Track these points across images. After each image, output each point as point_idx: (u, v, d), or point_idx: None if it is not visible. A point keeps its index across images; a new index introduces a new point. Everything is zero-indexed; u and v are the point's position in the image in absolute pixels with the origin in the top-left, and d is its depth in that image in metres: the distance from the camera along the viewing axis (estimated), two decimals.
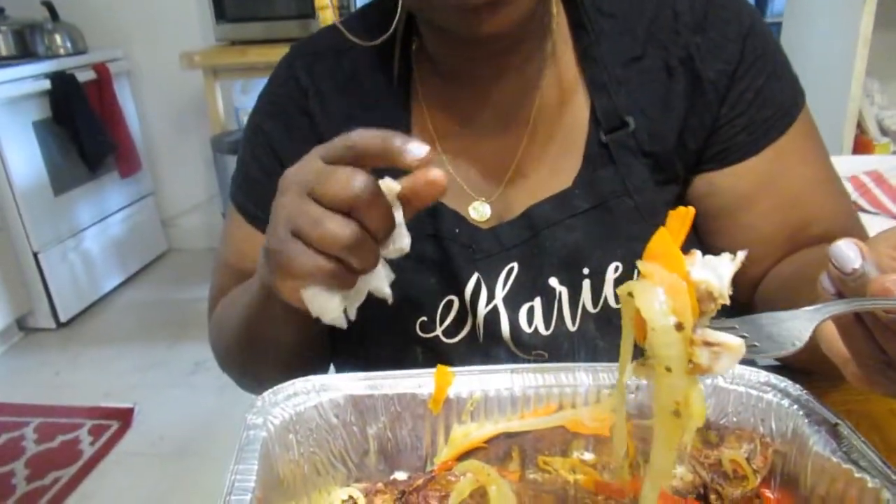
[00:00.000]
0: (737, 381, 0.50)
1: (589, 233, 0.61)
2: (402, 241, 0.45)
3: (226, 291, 0.71)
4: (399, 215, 0.45)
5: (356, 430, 0.51)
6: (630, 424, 0.46)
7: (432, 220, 0.62)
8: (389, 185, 0.44)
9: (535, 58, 0.63)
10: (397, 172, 0.44)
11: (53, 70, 2.49)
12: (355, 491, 0.48)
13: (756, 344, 0.36)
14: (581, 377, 0.51)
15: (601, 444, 0.51)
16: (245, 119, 0.76)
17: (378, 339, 0.64)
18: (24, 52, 2.70)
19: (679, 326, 0.34)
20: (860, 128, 1.92)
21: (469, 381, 0.51)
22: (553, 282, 0.61)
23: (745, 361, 0.38)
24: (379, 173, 0.44)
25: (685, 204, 0.64)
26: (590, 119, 0.62)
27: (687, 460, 0.48)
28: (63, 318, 2.58)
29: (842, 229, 0.62)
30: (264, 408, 0.48)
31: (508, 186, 0.64)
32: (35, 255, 2.47)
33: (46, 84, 2.46)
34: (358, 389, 0.51)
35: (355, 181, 0.41)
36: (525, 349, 0.62)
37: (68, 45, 2.72)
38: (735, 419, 0.50)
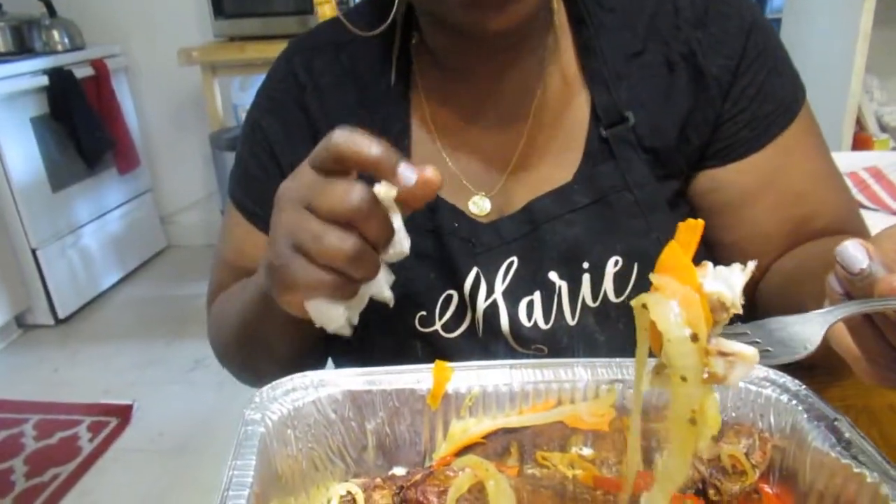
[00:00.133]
0: None
1: (589, 227, 0.61)
2: (401, 245, 0.46)
3: (224, 288, 0.71)
4: (397, 220, 0.45)
5: (354, 426, 0.51)
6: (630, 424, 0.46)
7: (431, 215, 0.62)
8: (386, 191, 0.43)
9: (536, 53, 0.62)
10: None
11: (51, 66, 2.49)
12: (354, 486, 0.47)
13: (769, 349, 0.37)
14: (580, 373, 0.51)
15: (600, 440, 0.51)
16: (243, 115, 0.76)
17: (377, 333, 0.64)
18: (22, 48, 2.69)
19: (694, 337, 0.34)
20: (859, 124, 1.92)
21: (468, 376, 0.51)
22: (553, 276, 0.61)
23: None
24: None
25: (685, 199, 0.64)
26: (590, 114, 0.62)
27: None
28: (62, 315, 2.58)
29: (844, 223, 0.62)
30: (262, 403, 0.48)
31: (509, 181, 0.64)
32: (33, 251, 2.47)
33: (44, 80, 2.45)
34: (356, 385, 0.51)
35: (352, 194, 0.42)
36: (524, 343, 0.61)
37: (66, 41, 2.71)
38: (734, 414, 0.50)
